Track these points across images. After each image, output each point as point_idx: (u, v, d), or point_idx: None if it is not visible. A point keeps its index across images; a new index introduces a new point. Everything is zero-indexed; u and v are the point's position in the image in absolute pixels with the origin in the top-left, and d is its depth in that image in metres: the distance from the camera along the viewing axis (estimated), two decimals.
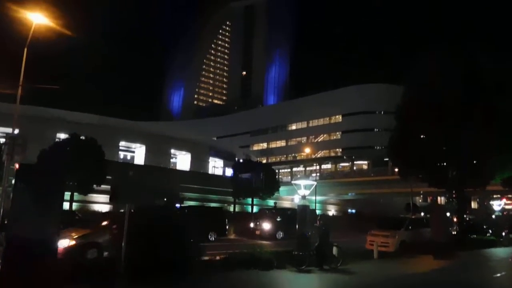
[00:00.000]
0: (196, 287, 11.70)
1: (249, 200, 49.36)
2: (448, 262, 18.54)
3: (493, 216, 42.94)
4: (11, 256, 8.32)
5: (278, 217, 31.93)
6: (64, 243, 13.69)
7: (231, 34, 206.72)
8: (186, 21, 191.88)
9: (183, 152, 65.55)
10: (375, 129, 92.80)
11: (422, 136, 25.95)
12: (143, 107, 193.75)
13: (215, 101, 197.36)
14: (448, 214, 35.50)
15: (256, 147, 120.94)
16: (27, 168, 9.60)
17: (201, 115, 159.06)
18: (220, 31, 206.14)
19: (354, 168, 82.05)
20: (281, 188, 54.40)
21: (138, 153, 61.45)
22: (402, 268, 17.13)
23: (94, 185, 33.22)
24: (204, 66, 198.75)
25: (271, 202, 54.26)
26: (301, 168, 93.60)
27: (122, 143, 59.22)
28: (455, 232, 29.47)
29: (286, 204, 62.00)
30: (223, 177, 60.82)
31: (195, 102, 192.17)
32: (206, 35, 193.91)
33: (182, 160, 66.70)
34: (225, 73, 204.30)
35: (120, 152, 60.25)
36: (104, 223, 16.22)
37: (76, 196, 34.87)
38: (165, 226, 11.75)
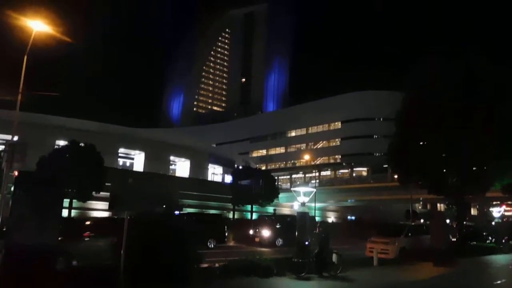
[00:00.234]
0: None
1: (249, 207, 49.26)
2: (448, 269, 18.48)
3: (493, 223, 42.83)
4: (10, 263, 8.31)
5: (278, 224, 31.85)
6: None
7: (230, 41, 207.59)
8: (186, 28, 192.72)
9: (183, 159, 65.50)
10: (375, 136, 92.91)
11: (421, 143, 25.95)
12: (142, 114, 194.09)
13: (215, 108, 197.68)
14: (447, 221, 35.47)
15: (255, 154, 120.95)
16: (27, 176, 9.61)
17: (201, 122, 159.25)
18: (220, 38, 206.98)
19: (354, 174, 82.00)
20: (281, 195, 54.29)
21: (138, 160, 61.39)
22: (402, 275, 17.07)
23: (93, 192, 33.15)
24: (203, 73, 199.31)
25: (270, 209, 54.14)
26: (300, 175, 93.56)
27: (122, 150, 59.17)
28: (455, 239, 29.39)
29: (285, 211, 61.86)
30: (222, 184, 60.76)
31: (195, 109, 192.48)
32: (205, 42, 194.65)
33: (181, 167, 66.62)
34: (224, 80, 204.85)
35: (119, 159, 60.20)
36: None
37: (75, 203, 34.79)
38: (164, 233, 11.71)
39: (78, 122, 51.63)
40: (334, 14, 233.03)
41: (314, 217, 44.79)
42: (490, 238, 32.68)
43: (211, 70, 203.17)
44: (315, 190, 22.88)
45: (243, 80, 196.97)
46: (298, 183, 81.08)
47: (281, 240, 30.35)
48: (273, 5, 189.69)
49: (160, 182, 44.81)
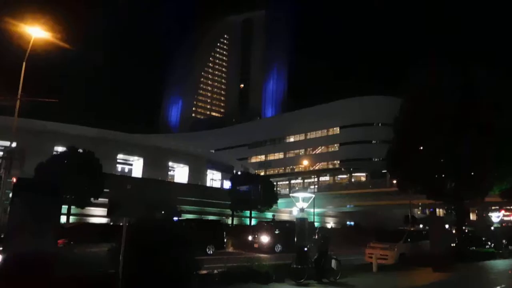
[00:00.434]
0: None
1: (247, 212, 49.19)
2: (448, 274, 18.43)
3: (492, 228, 42.80)
4: (9, 269, 8.26)
5: (277, 230, 31.78)
6: None
7: (229, 47, 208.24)
8: (184, 34, 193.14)
9: (181, 165, 65.44)
10: (373, 141, 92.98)
11: (420, 148, 25.98)
12: (141, 120, 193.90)
13: (213, 114, 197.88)
14: (447, 226, 35.44)
15: (254, 160, 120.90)
16: (25, 182, 9.58)
17: (199, 127, 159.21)
18: (218, 44, 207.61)
19: (353, 180, 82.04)
20: (279, 201, 54.25)
21: (136, 166, 61.32)
22: (401, 281, 17.02)
23: (92, 199, 33.08)
24: (202, 79, 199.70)
25: (269, 215, 54.08)
26: (299, 180, 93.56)
27: (120, 156, 59.11)
28: (454, 244, 29.35)
29: (284, 216, 61.76)
30: (221, 190, 60.65)
31: (193, 115, 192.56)
32: (204, 48, 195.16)
33: (180, 173, 66.54)
34: (223, 86, 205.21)
35: (118, 165, 60.10)
36: None
37: (74, 209, 34.70)
38: (163, 240, 11.66)
39: (76, 128, 51.59)
40: (332, 19, 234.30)
41: (313, 222, 44.73)
42: (489, 243, 32.66)
43: (210, 76, 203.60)
44: (313, 196, 22.86)
45: (242, 86, 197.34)
46: (297, 188, 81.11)
47: (280, 246, 30.27)
48: (271, 11, 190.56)
49: (159, 188, 44.71)
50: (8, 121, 25.92)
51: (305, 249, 15.42)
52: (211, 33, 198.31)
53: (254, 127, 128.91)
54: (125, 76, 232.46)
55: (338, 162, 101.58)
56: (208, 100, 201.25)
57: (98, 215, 39.45)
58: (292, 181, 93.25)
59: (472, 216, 72.94)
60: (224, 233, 29.91)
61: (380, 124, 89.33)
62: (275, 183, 58.71)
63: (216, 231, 28.68)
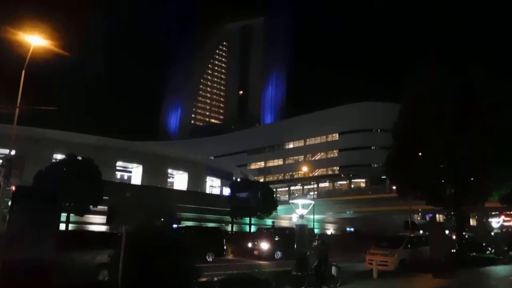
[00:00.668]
0: None
1: (247, 219, 49.07)
2: (448, 281, 18.37)
3: (492, 233, 42.76)
4: (7, 277, 8.23)
5: (276, 236, 31.72)
6: None
7: (228, 54, 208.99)
8: (183, 41, 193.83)
9: (180, 172, 65.36)
10: (372, 147, 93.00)
11: (419, 154, 26.00)
12: (140, 127, 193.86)
13: (213, 121, 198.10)
14: (447, 231, 35.38)
15: (253, 166, 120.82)
16: (24, 190, 9.57)
17: (199, 134, 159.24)
18: (217, 51, 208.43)
19: (352, 186, 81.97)
20: (279, 207, 54.13)
21: (135, 173, 61.22)
22: None
23: (91, 206, 32.98)
24: (201, 86, 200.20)
25: (269, 221, 53.94)
26: (298, 187, 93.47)
27: (120, 163, 59.02)
28: (454, 250, 29.29)
29: (284, 223, 61.60)
30: (220, 197, 60.52)
31: (193, 122, 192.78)
32: (203, 55, 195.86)
33: (179, 180, 66.45)
34: (222, 93, 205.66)
35: (117, 172, 60.03)
36: None
37: (73, 217, 34.59)
38: (162, 247, 11.63)
39: (76, 135, 51.54)
40: (331, 24, 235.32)
41: (312, 229, 44.65)
42: (489, 249, 32.59)
43: (209, 83, 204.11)
44: (313, 202, 22.86)
45: (241, 92, 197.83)
46: (296, 195, 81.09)
47: (280, 253, 30.20)
48: (269, 18, 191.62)
49: (158, 195, 44.59)
50: (7, 129, 25.93)
51: (305, 256, 15.39)
52: (210, 40, 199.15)
53: (253, 133, 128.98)
54: (124, 83, 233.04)
55: (338, 168, 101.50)
56: (207, 107, 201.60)
57: (97, 223, 39.30)
58: (292, 188, 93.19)
59: (472, 222, 72.86)
60: (224, 240, 29.85)
61: (379, 130, 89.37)
62: (274, 190, 58.71)
63: (215, 238, 28.64)
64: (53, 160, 41.81)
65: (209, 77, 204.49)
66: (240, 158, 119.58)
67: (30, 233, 8.48)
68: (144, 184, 55.24)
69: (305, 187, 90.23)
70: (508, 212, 59.48)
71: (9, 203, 9.38)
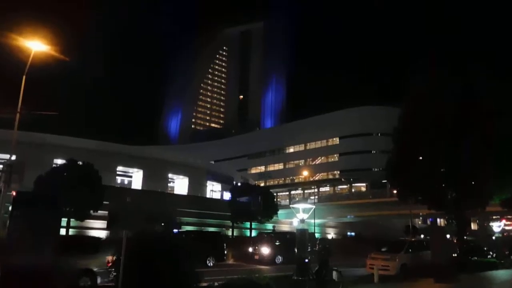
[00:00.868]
0: None
1: (248, 224, 48.97)
2: (450, 285, 18.29)
3: (493, 238, 42.65)
4: (8, 283, 8.20)
5: (277, 241, 31.64)
6: None
7: (228, 59, 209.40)
8: (183, 46, 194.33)
9: (181, 176, 65.31)
10: (373, 151, 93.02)
11: (420, 158, 25.96)
12: (141, 132, 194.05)
13: (213, 125, 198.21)
14: (448, 236, 35.28)
15: (254, 171, 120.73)
16: (24, 196, 9.56)
17: (199, 139, 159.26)
18: (217, 56, 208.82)
19: (353, 190, 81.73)
20: (280, 212, 54.02)
21: (136, 178, 61.19)
22: None
23: (91, 211, 32.95)
24: (201, 91, 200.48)
25: (269, 226, 53.82)
26: (299, 191, 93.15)
27: (120, 168, 59.02)
28: (455, 254, 29.20)
29: (284, 227, 61.47)
30: (221, 201, 60.46)
31: (193, 126, 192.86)
32: (203, 60, 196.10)
33: (180, 184, 66.40)
34: (222, 97, 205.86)
35: (117, 177, 59.97)
36: None
37: (73, 222, 34.54)
38: (163, 252, 11.60)
39: (76, 140, 51.58)
40: (331, 28, 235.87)
41: (313, 233, 44.53)
42: (491, 253, 32.50)
43: (209, 88, 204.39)
44: (314, 206, 22.78)
45: (241, 97, 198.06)
46: (297, 199, 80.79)
47: (280, 258, 30.12)
48: (269, 22, 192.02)
49: (159, 200, 44.56)
50: (7, 134, 25.94)
51: (306, 260, 15.35)
52: (210, 45, 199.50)
53: (253, 138, 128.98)
54: (125, 87, 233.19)
55: (338, 172, 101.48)
56: (208, 111, 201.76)
57: (97, 228, 39.26)
58: (292, 192, 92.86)
59: (473, 226, 72.67)
60: (224, 244, 29.81)
61: (379, 134, 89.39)
62: (275, 194, 58.56)
63: (216, 243, 28.59)
64: (54, 165, 41.80)
65: (209, 81, 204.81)
66: (241, 162, 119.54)
67: (31, 239, 8.46)
68: (144, 188, 55.22)
69: (305, 191, 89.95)
70: (509, 216, 59.36)
71: (10, 208, 9.36)
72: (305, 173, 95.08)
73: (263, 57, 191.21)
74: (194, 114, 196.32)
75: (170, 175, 63.90)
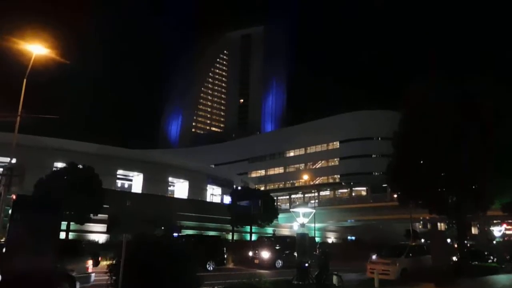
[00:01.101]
0: None
1: (248, 228, 48.92)
2: None
3: (494, 242, 42.57)
4: (8, 287, 8.19)
5: (277, 245, 31.55)
6: None
7: (228, 62, 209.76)
8: (184, 50, 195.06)
9: (181, 180, 65.33)
10: (373, 155, 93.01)
11: (420, 162, 25.93)
12: (141, 135, 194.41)
13: (213, 129, 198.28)
14: (448, 240, 35.20)
15: (254, 174, 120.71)
16: (24, 199, 9.55)
17: (199, 142, 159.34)
18: (218, 60, 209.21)
19: (353, 194, 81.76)
20: (280, 216, 53.98)
21: (136, 182, 61.20)
22: None
23: (91, 215, 32.92)
24: (202, 94, 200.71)
25: (270, 230, 53.76)
26: (299, 195, 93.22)
27: (120, 172, 59.05)
28: (456, 259, 29.12)
29: (285, 231, 61.39)
30: (221, 205, 60.44)
31: (193, 130, 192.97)
32: (203, 64, 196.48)
33: (180, 188, 66.39)
34: (222, 101, 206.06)
35: (118, 181, 59.98)
36: None
37: (73, 225, 34.52)
38: (162, 256, 11.58)
39: (76, 144, 51.61)
40: (332, 34, 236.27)
41: (313, 237, 44.45)
42: (491, 257, 32.40)
43: (209, 91, 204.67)
44: (314, 210, 22.79)
45: (241, 101, 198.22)
46: (297, 203, 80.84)
47: (280, 262, 30.03)
48: (269, 26, 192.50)
49: (159, 204, 44.51)
50: (8, 137, 25.96)
51: (306, 265, 15.31)
52: (211, 49, 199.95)
53: (254, 141, 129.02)
54: (125, 91, 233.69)
55: (338, 176, 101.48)
56: (208, 115, 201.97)
57: (97, 231, 39.22)
58: (293, 196, 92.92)
59: (474, 230, 72.53)
60: (225, 249, 29.73)
61: (379, 138, 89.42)
62: (275, 198, 58.58)
63: (216, 247, 28.50)
64: (54, 169, 41.79)
65: (209, 85, 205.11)
66: (241, 166, 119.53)
67: (31, 242, 8.44)
68: (144, 192, 55.22)
69: (306, 195, 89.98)
70: (510, 221, 59.23)
71: (10, 211, 9.35)
72: (305, 177, 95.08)
73: (263, 61, 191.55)
74: (195, 117, 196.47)
75: (170, 179, 63.92)
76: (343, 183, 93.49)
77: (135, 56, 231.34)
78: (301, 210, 17.53)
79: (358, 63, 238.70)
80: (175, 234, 31.84)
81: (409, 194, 27.33)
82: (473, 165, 23.17)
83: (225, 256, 29.46)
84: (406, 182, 26.02)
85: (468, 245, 38.40)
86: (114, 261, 11.58)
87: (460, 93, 25.42)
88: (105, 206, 31.05)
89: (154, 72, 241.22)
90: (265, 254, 30.32)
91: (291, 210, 19.56)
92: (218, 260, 27.28)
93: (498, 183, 24.65)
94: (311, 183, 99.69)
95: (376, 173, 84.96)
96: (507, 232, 59.79)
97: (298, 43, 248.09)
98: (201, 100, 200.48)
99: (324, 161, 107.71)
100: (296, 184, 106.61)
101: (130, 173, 61.17)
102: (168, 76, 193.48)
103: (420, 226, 78.28)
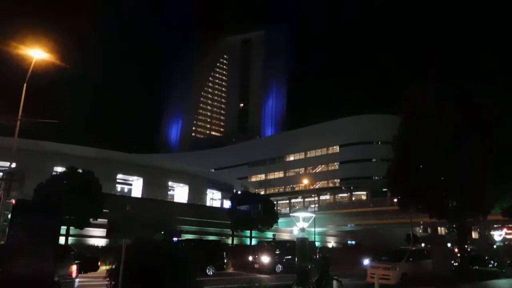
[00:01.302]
0: None
1: (248, 232, 48.82)
2: None
3: (495, 247, 42.48)
4: None
5: (277, 250, 31.50)
6: None
7: (228, 67, 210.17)
8: (184, 54, 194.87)
9: (181, 184, 65.26)
10: (373, 159, 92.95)
11: (420, 166, 25.92)
12: (141, 140, 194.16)
13: (213, 133, 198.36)
14: (449, 244, 35.15)
15: (254, 179, 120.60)
16: (24, 204, 9.54)
17: (199, 147, 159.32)
18: (218, 64, 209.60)
19: (353, 198, 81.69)
20: (280, 220, 53.88)
21: (136, 186, 61.15)
22: None
23: (91, 219, 32.86)
24: (202, 99, 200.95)
25: (270, 234, 53.65)
26: (299, 199, 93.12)
27: (120, 176, 59.01)
28: (456, 263, 29.07)
29: (285, 236, 61.29)
30: (221, 209, 60.35)
31: (193, 134, 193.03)
32: (204, 68, 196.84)
33: (180, 193, 66.32)
34: (222, 105, 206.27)
35: (117, 185, 59.94)
36: None
37: (73, 230, 34.45)
38: (162, 261, 11.55)
39: (76, 148, 51.62)
40: (332, 38, 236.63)
41: (314, 242, 44.35)
42: (492, 262, 32.34)
43: (209, 96, 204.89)
44: (314, 215, 22.74)
45: (241, 105, 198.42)
46: (297, 207, 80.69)
47: (280, 266, 29.96)
48: (270, 31, 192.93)
49: (159, 208, 44.48)
50: (8, 141, 25.96)
51: (306, 269, 15.26)
52: (211, 53, 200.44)
53: (254, 146, 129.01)
54: (125, 95, 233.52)
55: (338, 180, 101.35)
56: (208, 120, 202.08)
57: (97, 236, 39.13)
58: (293, 200, 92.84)
59: (474, 235, 72.40)
60: (224, 253, 29.65)
61: (379, 143, 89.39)
62: (275, 202, 58.49)
63: (216, 252, 28.43)
64: (54, 173, 41.77)
65: (209, 89, 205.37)
66: (241, 170, 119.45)
67: (30, 246, 8.43)
68: (144, 196, 55.17)
69: (306, 199, 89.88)
70: (511, 225, 59.11)
71: (9, 216, 9.34)
72: (305, 181, 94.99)
73: (263, 65, 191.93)
74: (195, 122, 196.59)
75: (170, 183, 63.86)
76: (343, 188, 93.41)
77: (135, 56, 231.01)
78: (301, 214, 17.49)
79: (358, 63, 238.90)
80: (175, 239, 31.76)
81: (409, 198, 27.32)
82: (473, 165, 23.17)
83: (225, 260, 29.38)
84: (406, 186, 26.01)
85: (469, 249, 38.33)
86: (113, 266, 11.55)
87: (460, 93, 25.46)
88: (104, 210, 31.00)
89: (154, 72, 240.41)
90: (265, 259, 30.25)
91: (291, 214, 19.53)
92: (218, 265, 27.20)
93: (498, 187, 24.64)
94: (311, 187, 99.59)
95: (376, 178, 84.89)
96: (508, 236, 59.64)
97: (298, 43, 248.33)
98: (201, 104, 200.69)
99: (324, 165, 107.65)
100: (296, 189, 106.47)
101: (130, 178, 61.12)
102: (168, 77, 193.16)
103: (421, 231, 78.10)
